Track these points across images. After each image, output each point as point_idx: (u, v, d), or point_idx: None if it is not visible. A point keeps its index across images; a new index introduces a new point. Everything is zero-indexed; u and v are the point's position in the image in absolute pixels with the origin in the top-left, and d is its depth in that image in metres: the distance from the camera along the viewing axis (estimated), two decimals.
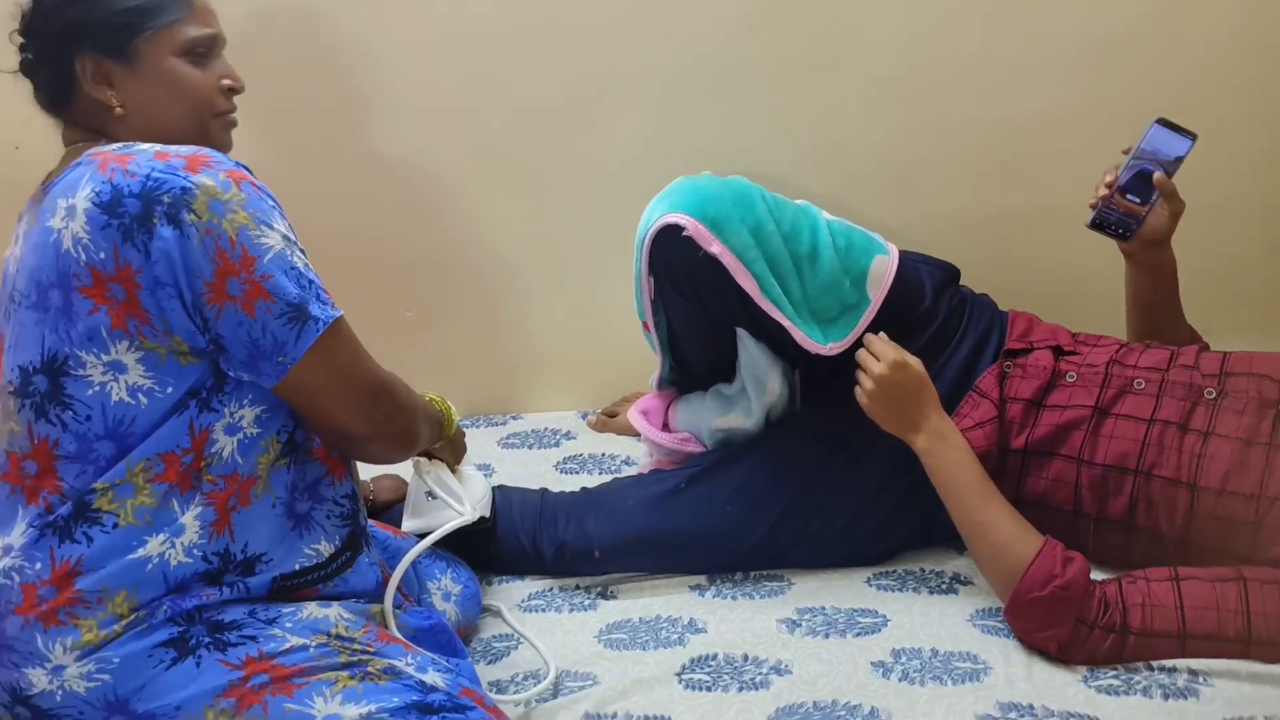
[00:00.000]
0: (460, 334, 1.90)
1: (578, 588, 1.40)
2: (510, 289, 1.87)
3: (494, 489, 1.45)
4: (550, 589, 1.40)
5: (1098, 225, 1.40)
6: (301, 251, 0.99)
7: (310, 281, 0.98)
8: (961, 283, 1.51)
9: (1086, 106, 1.68)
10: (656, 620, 1.30)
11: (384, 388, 1.05)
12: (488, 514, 1.38)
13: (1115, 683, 1.13)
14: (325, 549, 1.05)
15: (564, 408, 1.91)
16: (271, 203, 0.98)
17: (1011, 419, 1.34)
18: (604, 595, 1.38)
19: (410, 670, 0.97)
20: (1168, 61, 1.65)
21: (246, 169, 0.98)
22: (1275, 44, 1.64)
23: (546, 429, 1.84)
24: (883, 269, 1.38)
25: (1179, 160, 1.37)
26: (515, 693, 1.18)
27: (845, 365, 1.35)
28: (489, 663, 1.26)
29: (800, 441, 1.40)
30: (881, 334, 1.33)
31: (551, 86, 1.72)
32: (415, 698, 0.94)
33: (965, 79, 1.68)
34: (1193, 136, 1.36)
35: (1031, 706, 1.10)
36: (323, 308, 0.97)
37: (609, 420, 1.81)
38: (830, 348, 1.33)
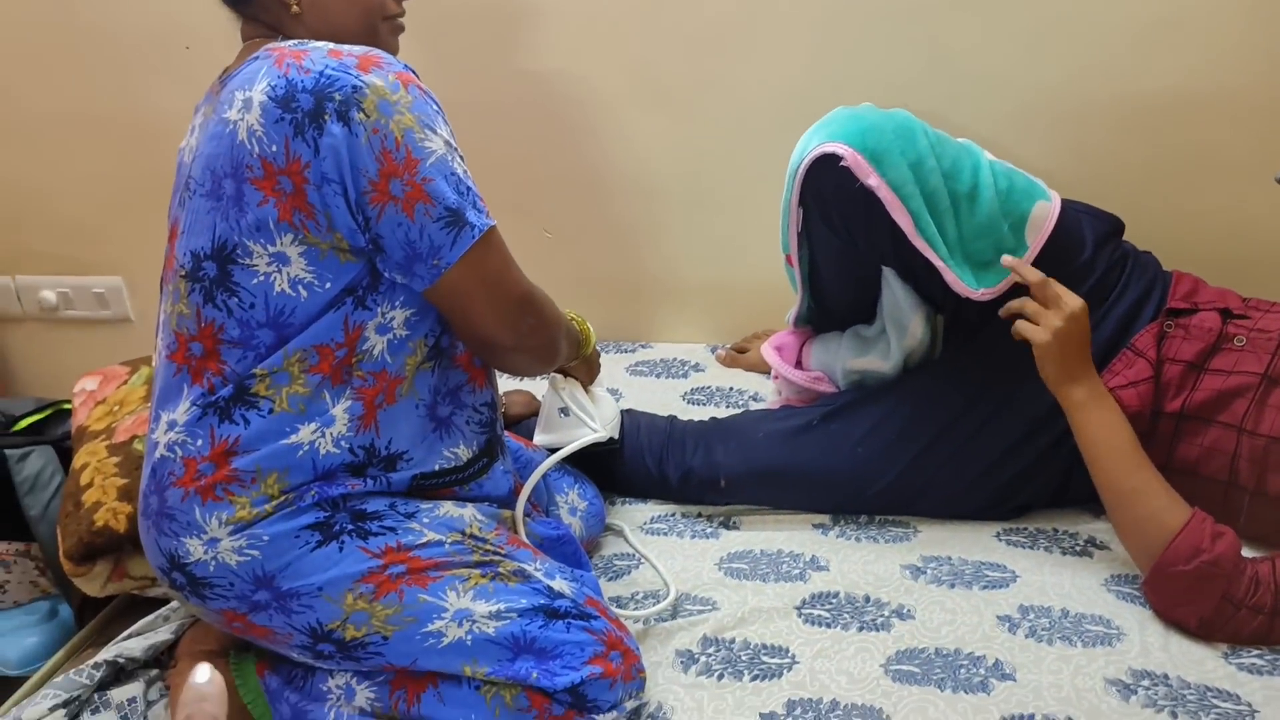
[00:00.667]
0: (596, 257, 1.91)
1: (700, 515, 1.40)
2: (651, 215, 1.86)
3: (623, 412, 1.47)
4: (673, 514, 1.41)
5: None
6: (461, 158, 1.00)
7: (468, 189, 0.99)
8: (1125, 238, 1.44)
9: (1268, 45, 1.55)
10: (778, 554, 1.30)
11: (531, 300, 1.06)
12: (616, 435, 1.39)
13: (1259, 662, 1.08)
14: (464, 453, 1.07)
15: (694, 340, 1.90)
16: (436, 107, 0.99)
17: (1169, 380, 1.28)
18: (726, 525, 1.38)
19: (539, 575, 0.99)
20: None
21: (414, 72, 0.99)
22: None
23: (675, 359, 1.84)
24: (1044, 215, 1.32)
25: None
26: (635, 609, 1.20)
27: (993, 313, 1.30)
28: (610, 579, 1.28)
29: (939, 388, 1.36)
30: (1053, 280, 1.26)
31: (708, 9, 1.69)
32: (543, 601, 0.97)
33: (1137, 14, 1.57)
34: None
35: (1166, 677, 1.06)
36: (479, 215, 0.98)
37: (738, 356, 1.79)
38: (982, 293, 1.28)
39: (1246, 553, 1.15)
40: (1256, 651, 1.09)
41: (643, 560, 1.30)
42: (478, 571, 0.97)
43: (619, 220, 1.88)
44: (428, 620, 0.93)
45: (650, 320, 1.94)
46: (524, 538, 1.08)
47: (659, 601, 1.20)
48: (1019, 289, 1.29)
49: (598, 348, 1.38)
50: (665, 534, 1.37)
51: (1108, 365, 1.31)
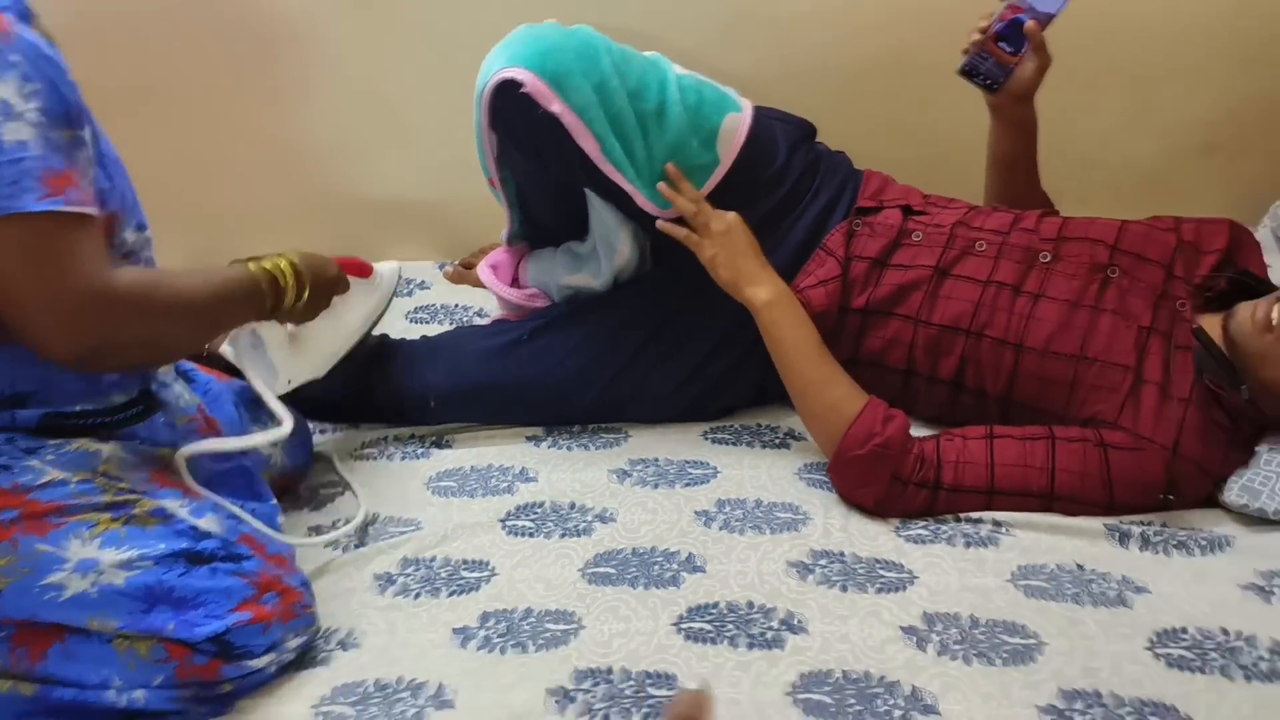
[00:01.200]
0: (309, 176, 1.81)
1: (413, 437, 1.37)
2: (365, 129, 1.78)
3: None
4: (385, 438, 1.37)
5: (967, 72, 1.38)
6: (37, 125, 0.85)
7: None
8: (819, 139, 1.49)
9: None
10: (488, 469, 1.29)
11: (110, 298, 0.88)
12: (319, 375, 1.29)
13: (923, 533, 1.17)
14: (116, 398, 0.98)
15: (420, 257, 1.85)
16: (13, 59, 0.84)
17: (855, 277, 1.34)
18: (439, 444, 1.36)
19: (183, 514, 0.92)
20: None
21: (21, 16, 0.87)
22: None
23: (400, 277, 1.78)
24: (734, 127, 1.33)
25: (1052, 17, 1.35)
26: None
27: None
28: (313, 509, 1.24)
29: (645, 299, 1.38)
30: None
31: None
32: (185, 545, 0.90)
33: None
34: None
35: (842, 554, 1.13)
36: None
37: (465, 272, 1.76)
38: (673, 210, 1.30)
39: (922, 433, 1.24)
40: (923, 524, 1.18)
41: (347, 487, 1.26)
42: (108, 515, 0.89)
43: (331, 137, 1.78)
44: (46, 572, 0.85)
45: (373, 241, 1.86)
46: (190, 483, 1.00)
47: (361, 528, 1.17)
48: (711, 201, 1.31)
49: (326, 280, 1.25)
50: (375, 458, 1.33)
51: (803, 266, 1.36)
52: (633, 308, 1.38)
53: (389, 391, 1.36)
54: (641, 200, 1.29)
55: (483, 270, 1.51)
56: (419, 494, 1.25)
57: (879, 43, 1.69)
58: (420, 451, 1.34)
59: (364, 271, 1.30)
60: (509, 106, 1.24)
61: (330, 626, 1.03)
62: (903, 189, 1.44)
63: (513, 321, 1.44)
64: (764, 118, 1.39)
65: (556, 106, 1.22)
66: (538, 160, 1.31)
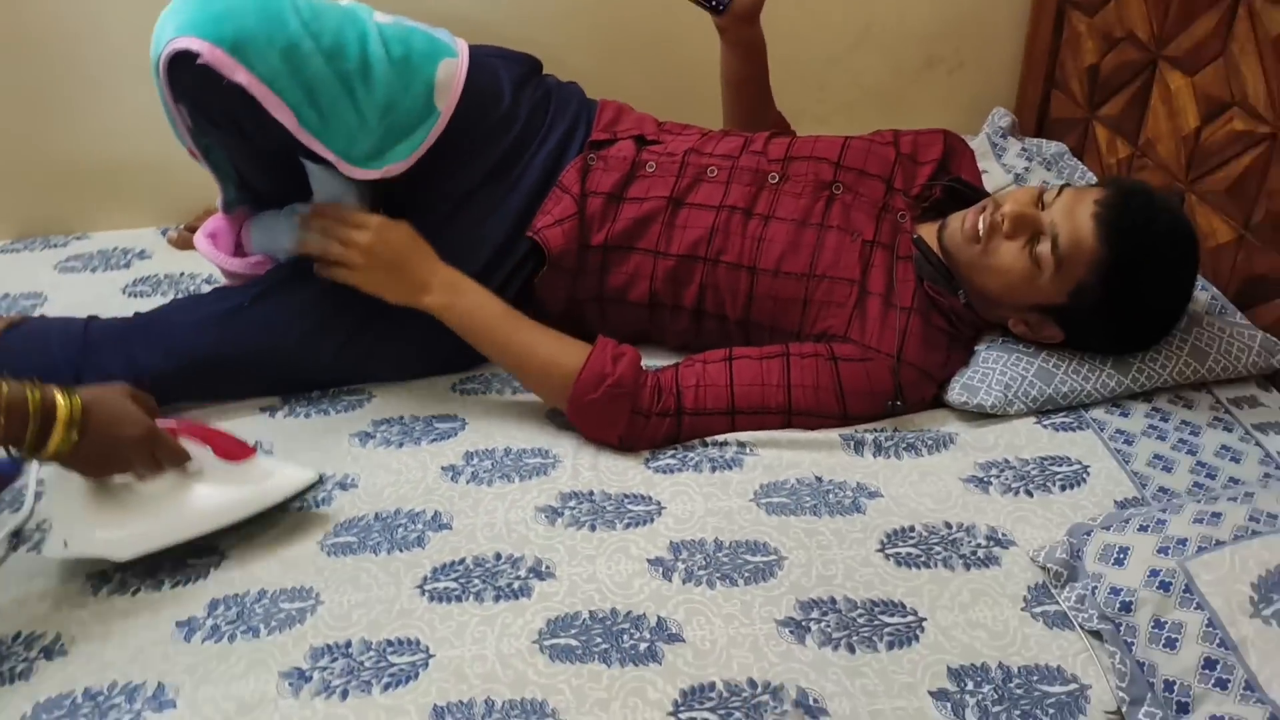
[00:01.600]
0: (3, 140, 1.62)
1: None
2: (69, 83, 1.60)
3: (27, 321, 1.27)
4: None
5: None
6: None
7: None
8: (548, 73, 1.44)
9: None
10: None
11: None
12: (129, 554, 1.01)
13: (672, 461, 1.18)
14: None
15: (140, 224, 1.70)
16: None
17: (593, 214, 1.31)
18: None
19: None
20: None
21: None
22: None
23: (116, 249, 1.63)
24: (450, 74, 1.26)
25: None
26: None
27: (425, 180, 1.25)
28: (14, 511, 1.12)
29: None
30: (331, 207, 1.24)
31: None
32: None
33: None
34: None
35: (591, 494, 1.13)
36: None
37: (190, 237, 1.62)
38: (388, 169, 1.22)
39: (666, 363, 1.25)
40: (671, 453, 1.19)
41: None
42: None
43: (30, 93, 1.59)
44: None
45: (86, 207, 1.70)
46: None
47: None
48: (428, 155, 1.25)
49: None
50: None
51: (541, 205, 1.32)
52: None
53: (99, 378, 1.24)
54: (346, 168, 1.20)
55: (199, 240, 1.39)
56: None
57: None
58: None
59: (234, 454, 1.05)
60: (189, 79, 1.11)
61: (33, 632, 0.94)
62: (636, 118, 1.42)
63: (235, 289, 1.33)
64: (482, 58, 1.33)
65: (242, 77, 1.10)
66: (237, 132, 1.20)
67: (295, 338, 1.26)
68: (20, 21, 1.56)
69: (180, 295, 1.50)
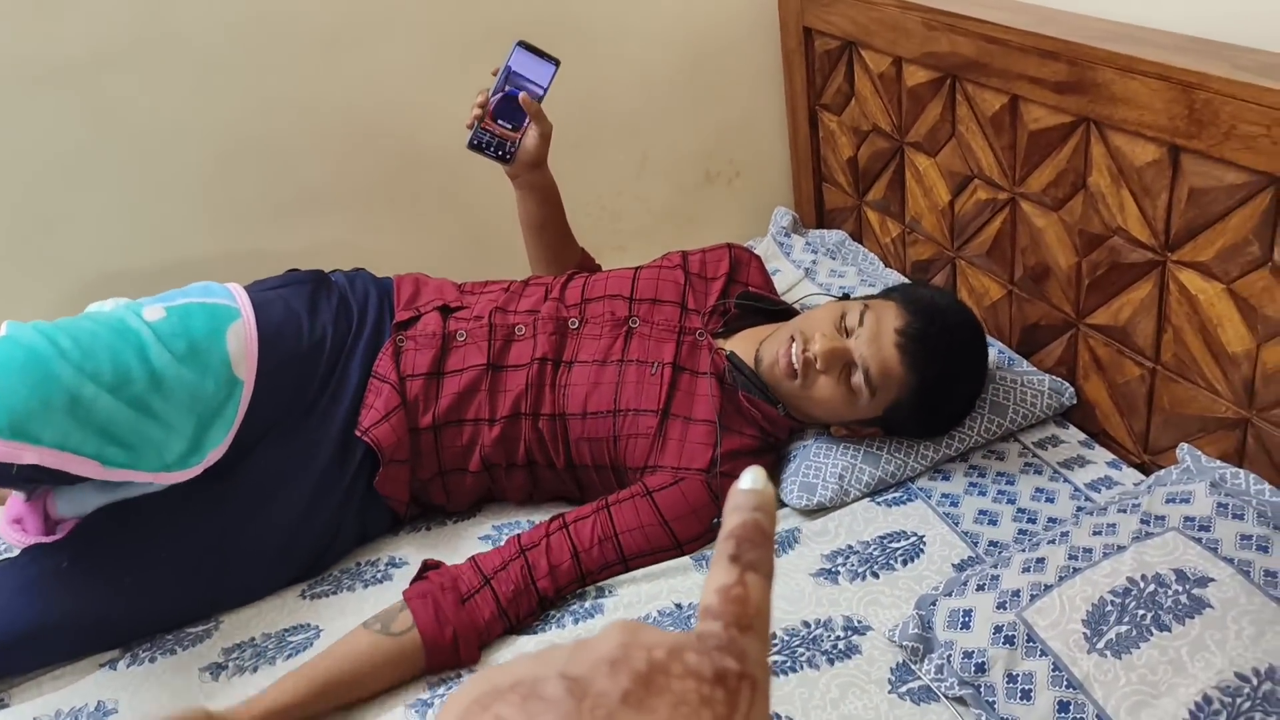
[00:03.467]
0: None
1: None
2: None
3: None
4: None
5: (476, 147, 1.41)
6: None
7: None
8: (336, 269, 1.45)
9: (435, 59, 1.69)
10: (56, 717, 1.14)
11: None
12: None
13: (537, 626, 1.17)
14: None
15: None
16: None
17: (415, 396, 1.31)
18: None
19: None
20: None
21: None
22: None
23: None
24: (241, 338, 1.22)
25: (546, 85, 1.40)
26: None
27: (254, 424, 1.24)
28: None
29: (202, 490, 1.22)
30: None
31: None
32: None
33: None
34: (555, 62, 1.40)
35: (459, 675, 1.11)
36: None
37: None
38: (210, 458, 1.18)
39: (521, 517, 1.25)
40: (534, 623, 1.19)
41: None
42: None
43: None
44: None
45: None
46: None
47: None
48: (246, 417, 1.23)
49: None
50: None
51: (363, 399, 1.32)
52: (191, 503, 1.23)
53: None
54: (168, 478, 1.16)
55: (6, 530, 1.29)
56: None
57: (381, 148, 1.70)
58: None
59: None
60: None
61: None
62: (436, 285, 1.44)
63: (46, 547, 1.25)
64: (266, 299, 1.30)
65: (31, 456, 1.05)
66: (39, 488, 1.17)
67: (130, 590, 1.20)
68: None
69: None
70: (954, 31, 1.42)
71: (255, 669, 1.16)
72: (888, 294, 1.35)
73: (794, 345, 1.28)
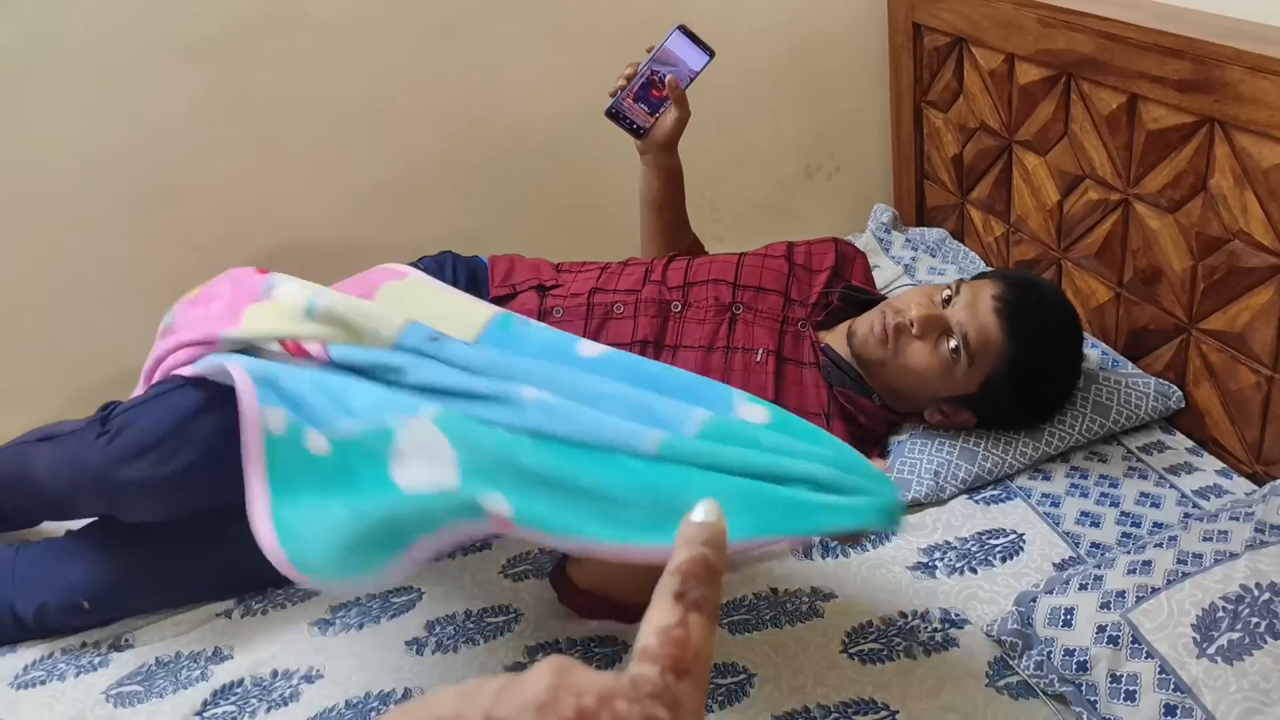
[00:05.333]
0: None
1: (84, 645, 1.24)
2: None
3: None
4: (51, 654, 1.23)
5: (612, 115, 1.44)
6: None
7: None
8: (424, 256, 1.48)
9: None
10: (176, 659, 1.19)
11: None
12: None
13: None
14: None
15: None
16: None
17: None
18: (117, 646, 1.23)
19: None
20: None
21: None
22: None
23: None
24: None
25: (695, 73, 1.42)
26: None
27: None
28: None
29: None
30: None
31: None
32: None
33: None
34: (711, 52, 1.41)
35: (557, 642, 1.14)
36: None
37: None
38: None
39: None
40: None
41: None
42: None
43: None
44: None
45: None
46: None
47: None
48: None
49: None
50: (44, 681, 1.19)
51: None
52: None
53: (30, 604, 1.21)
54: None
55: None
56: (99, 710, 1.13)
57: (488, 130, 1.74)
58: (98, 659, 1.21)
59: None
60: None
61: None
62: (531, 265, 1.47)
63: None
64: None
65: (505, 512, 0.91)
66: None
67: (235, 531, 1.25)
68: None
69: None
70: (1071, 29, 1.40)
71: (360, 627, 1.21)
72: (981, 275, 1.36)
73: (887, 314, 1.28)
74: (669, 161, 1.50)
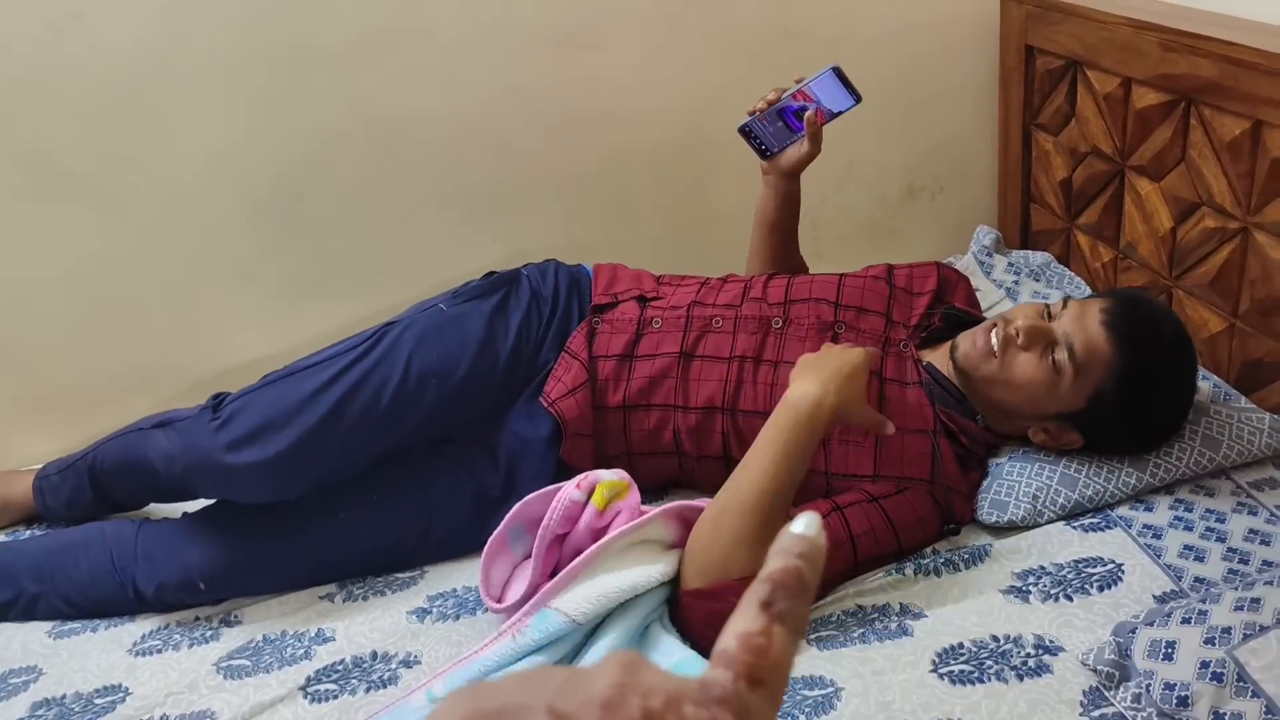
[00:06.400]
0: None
1: (197, 619, 1.30)
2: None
3: (84, 527, 1.37)
4: (166, 625, 1.30)
5: (744, 133, 1.46)
6: None
7: None
8: (528, 263, 1.52)
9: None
10: (282, 637, 1.25)
11: None
12: None
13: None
14: None
15: None
16: None
17: (606, 377, 1.37)
18: (227, 622, 1.29)
19: None
20: None
21: None
22: None
23: None
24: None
25: (836, 114, 1.43)
26: None
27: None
28: (93, 716, 1.16)
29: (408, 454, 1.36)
30: None
31: (92, 75, 1.57)
32: None
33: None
34: (857, 98, 1.42)
35: None
36: None
37: None
38: None
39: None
40: None
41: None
42: None
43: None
44: None
45: None
46: None
47: None
48: None
49: None
50: (160, 650, 1.26)
51: (550, 371, 1.39)
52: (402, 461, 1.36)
53: (150, 580, 1.29)
54: None
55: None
56: (210, 680, 1.19)
57: (597, 144, 1.78)
58: (209, 633, 1.28)
59: None
60: None
61: None
62: (633, 275, 1.50)
63: None
64: (460, 317, 1.38)
65: None
66: None
67: (341, 525, 1.31)
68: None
69: None
70: (1194, 53, 1.37)
71: (457, 618, 1.24)
72: (1092, 296, 1.33)
73: (995, 328, 1.28)
74: (789, 187, 1.52)
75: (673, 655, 1.08)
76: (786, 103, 1.43)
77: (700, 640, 1.11)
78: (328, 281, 1.74)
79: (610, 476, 1.18)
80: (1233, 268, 1.40)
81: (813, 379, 1.16)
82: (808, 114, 1.42)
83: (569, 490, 1.16)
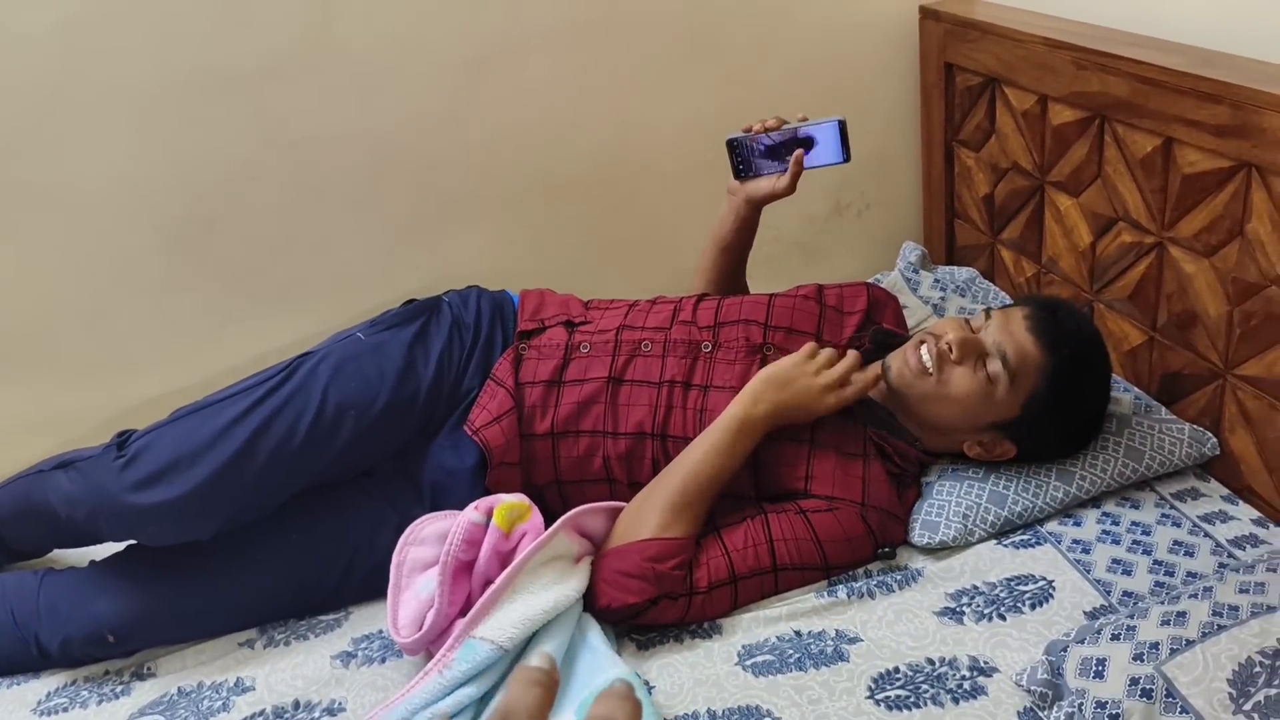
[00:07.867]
0: None
1: (107, 674, 1.24)
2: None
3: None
4: (74, 681, 1.24)
5: (731, 145, 1.45)
6: None
7: None
8: (450, 290, 1.49)
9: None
10: (199, 689, 1.19)
11: None
12: None
13: (653, 635, 1.18)
14: None
15: None
16: None
17: (533, 404, 1.34)
18: (139, 675, 1.24)
19: None
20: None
21: None
22: None
23: None
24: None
25: (820, 165, 1.43)
26: None
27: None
28: None
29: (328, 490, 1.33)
30: None
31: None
32: None
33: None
34: (846, 157, 1.41)
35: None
36: None
37: None
38: None
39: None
40: (649, 629, 1.20)
41: None
42: None
43: None
44: None
45: None
46: None
47: None
48: None
49: None
50: (66, 709, 1.19)
51: (474, 399, 1.36)
52: (320, 497, 1.32)
53: (55, 635, 1.22)
54: None
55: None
56: None
57: (519, 166, 1.75)
58: (120, 688, 1.22)
59: None
60: None
61: None
62: (561, 300, 1.47)
63: None
64: (379, 346, 1.36)
65: None
66: None
67: (262, 560, 1.26)
68: None
69: None
70: (1106, 71, 1.39)
71: (383, 660, 1.20)
72: (1008, 304, 1.38)
73: (924, 345, 1.28)
74: (749, 213, 1.52)
75: (604, 673, 1.07)
76: (784, 135, 1.43)
77: (601, 596, 1.17)
78: (243, 312, 1.69)
79: (509, 499, 1.20)
80: (1150, 282, 1.42)
81: (749, 388, 1.27)
82: (796, 154, 1.42)
83: (468, 513, 1.17)
